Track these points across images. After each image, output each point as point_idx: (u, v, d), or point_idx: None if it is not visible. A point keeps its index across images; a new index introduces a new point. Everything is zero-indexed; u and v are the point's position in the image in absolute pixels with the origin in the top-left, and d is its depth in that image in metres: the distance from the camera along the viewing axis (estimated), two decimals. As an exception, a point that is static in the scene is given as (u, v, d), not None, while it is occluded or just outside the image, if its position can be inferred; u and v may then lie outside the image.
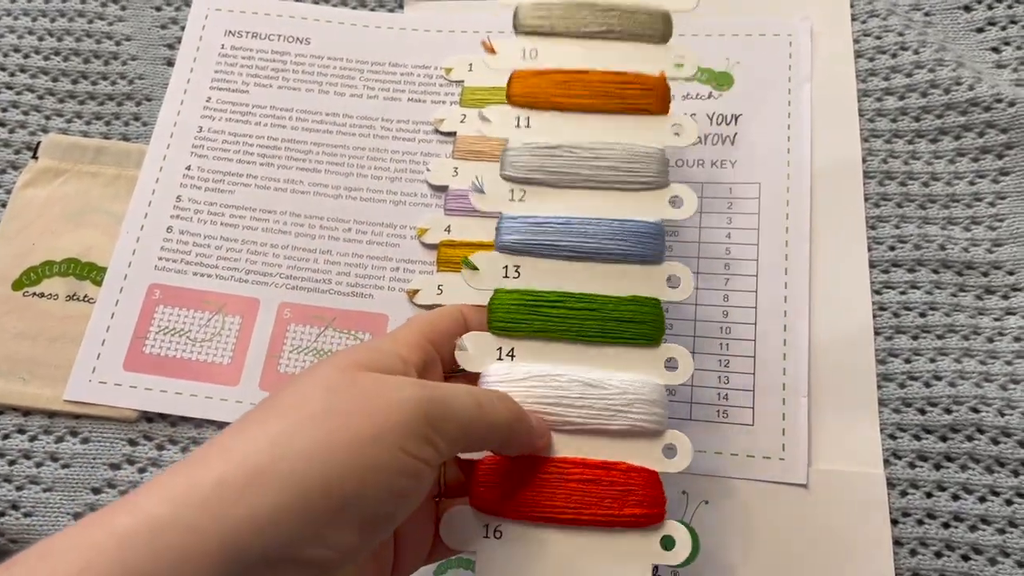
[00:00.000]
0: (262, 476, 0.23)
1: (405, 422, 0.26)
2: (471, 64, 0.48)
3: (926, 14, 0.47)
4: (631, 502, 0.31)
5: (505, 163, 0.36)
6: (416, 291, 0.43)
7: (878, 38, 0.46)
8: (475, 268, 0.34)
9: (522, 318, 0.33)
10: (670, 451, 0.32)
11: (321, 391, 0.26)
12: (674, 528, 0.31)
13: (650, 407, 0.32)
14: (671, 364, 0.33)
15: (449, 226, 0.44)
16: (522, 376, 0.32)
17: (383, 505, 0.25)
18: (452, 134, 0.47)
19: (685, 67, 0.38)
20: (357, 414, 0.25)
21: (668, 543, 0.31)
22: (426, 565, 0.32)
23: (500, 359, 0.33)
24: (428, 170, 0.46)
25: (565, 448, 0.32)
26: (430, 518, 0.32)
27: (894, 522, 0.38)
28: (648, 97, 0.37)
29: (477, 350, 0.33)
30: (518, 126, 0.37)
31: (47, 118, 0.48)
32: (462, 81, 0.48)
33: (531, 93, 0.37)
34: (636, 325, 0.33)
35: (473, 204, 0.36)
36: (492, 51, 0.39)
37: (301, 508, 0.23)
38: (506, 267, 0.34)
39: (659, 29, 0.38)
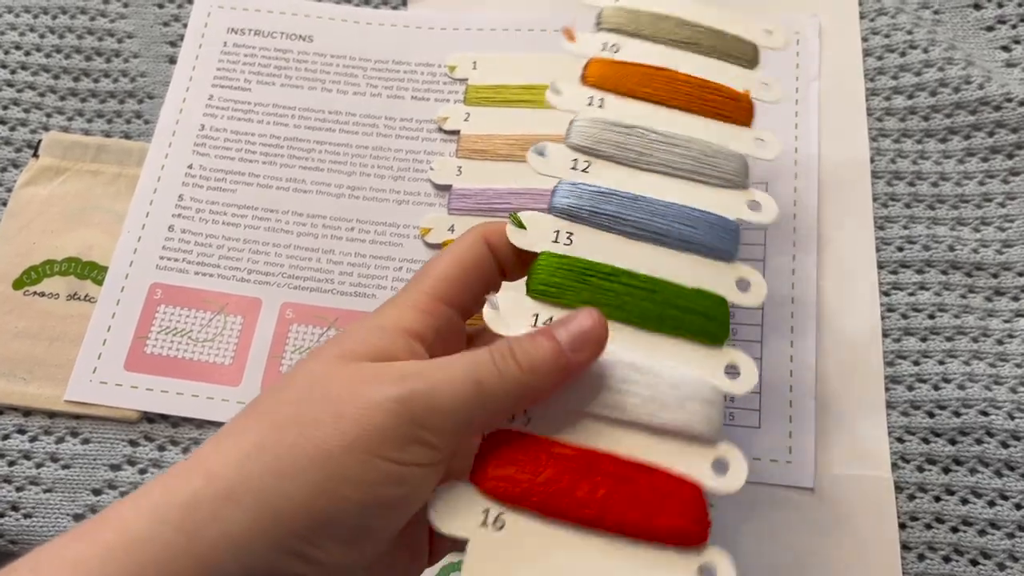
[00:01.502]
0: (232, 496, 0.22)
1: (380, 428, 0.23)
2: (475, 62, 0.48)
3: (935, 12, 0.46)
4: (670, 512, 0.25)
5: (572, 131, 0.32)
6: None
7: (887, 36, 0.46)
8: (522, 226, 0.30)
9: (569, 285, 0.29)
10: (720, 467, 0.26)
11: (294, 394, 0.25)
12: (717, 556, 0.25)
13: (706, 408, 0.27)
14: (732, 371, 0.28)
15: (453, 225, 0.44)
16: None
17: (366, 519, 0.24)
18: (456, 132, 0.46)
19: (772, 91, 0.35)
20: (326, 423, 0.23)
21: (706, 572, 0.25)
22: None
23: (534, 327, 0.28)
24: (432, 169, 0.45)
25: (598, 438, 0.26)
26: None
27: (902, 526, 0.37)
28: (732, 106, 0.34)
29: (510, 312, 0.28)
30: (590, 104, 0.33)
31: (48, 116, 0.47)
32: (466, 79, 0.48)
33: (609, 77, 0.34)
34: (701, 318, 0.29)
35: (531, 165, 0.31)
36: (572, 38, 0.36)
37: (272, 530, 0.22)
38: (557, 232, 0.30)
39: (747, 53, 0.36)
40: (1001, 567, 0.36)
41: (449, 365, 0.25)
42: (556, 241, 0.30)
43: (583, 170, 0.31)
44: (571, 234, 0.30)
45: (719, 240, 0.30)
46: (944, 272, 0.41)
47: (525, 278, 0.29)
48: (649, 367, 0.27)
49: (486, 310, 0.28)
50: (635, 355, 0.28)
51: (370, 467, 0.23)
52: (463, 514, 0.25)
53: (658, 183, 0.31)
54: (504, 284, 0.30)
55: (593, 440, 0.26)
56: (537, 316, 0.28)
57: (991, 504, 0.37)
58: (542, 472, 0.26)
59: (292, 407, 0.24)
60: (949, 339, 0.40)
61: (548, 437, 0.27)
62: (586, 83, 0.34)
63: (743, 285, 0.30)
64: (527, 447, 0.26)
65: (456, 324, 0.29)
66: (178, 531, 0.22)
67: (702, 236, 0.30)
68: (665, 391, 0.27)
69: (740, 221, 0.31)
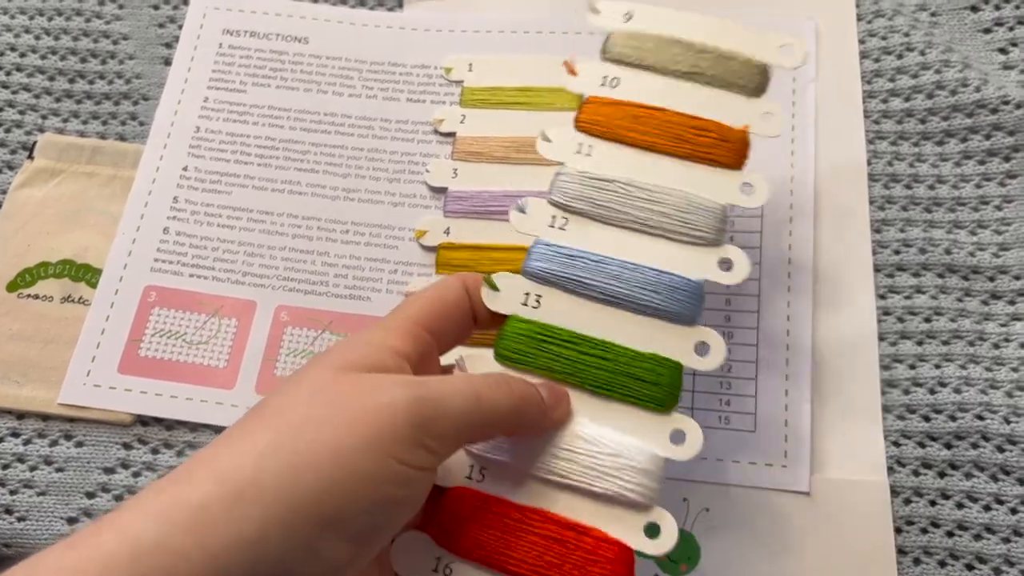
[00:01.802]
0: (246, 495, 0.23)
1: (392, 428, 0.24)
2: (471, 64, 0.48)
3: (932, 14, 0.46)
4: (599, 571, 0.28)
5: (554, 187, 0.34)
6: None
7: (884, 39, 0.45)
8: (495, 288, 0.32)
9: (529, 351, 0.31)
10: (653, 529, 0.29)
11: (305, 396, 0.25)
12: None
13: (640, 477, 0.29)
14: (677, 437, 0.30)
15: (448, 228, 0.44)
16: None
17: (375, 517, 0.24)
18: (452, 135, 0.46)
19: (772, 124, 0.35)
20: (341, 423, 0.24)
21: None
22: None
23: None
24: (427, 171, 0.45)
25: (540, 498, 0.30)
26: None
27: (897, 530, 0.37)
28: (722, 148, 0.34)
29: (477, 372, 0.31)
30: (578, 152, 0.35)
31: (43, 117, 0.47)
32: (462, 81, 0.47)
33: (600, 122, 0.35)
34: (649, 386, 0.31)
35: (512, 224, 0.33)
36: (573, 72, 0.37)
37: (288, 526, 0.23)
38: (527, 294, 0.32)
39: (753, 80, 0.35)
40: (997, 571, 0.36)
41: (449, 379, 0.27)
42: (525, 304, 0.32)
43: (560, 228, 0.33)
44: (539, 297, 0.32)
45: (680, 305, 0.32)
46: (940, 275, 0.41)
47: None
48: (593, 436, 0.30)
49: (457, 364, 0.31)
50: (582, 423, 0.30)
51: (381, 467, 0.24)
52: (420, 561, 0.29)
53: (632, 242, 0.33)
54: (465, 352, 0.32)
55: (537, 500, 0.30)
56: None
57: (987, 508, 0.37)
58: (487, 530, 0.29)
59: (305, 408, 0.25)
60: (945, 343, 0.40)
61: (498, 496, 0.30)
62: (579, 127, 0.35)
63: (702, 349, 0.31)
64: (478, 505, 0.30)
65: (434, 354, 0.30)
66: (188, 533, 0.22)
67: (663, 301, 0.32)
68: (604, 460, 0.30)
69: (707, 281, 0.32)
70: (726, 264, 0.32)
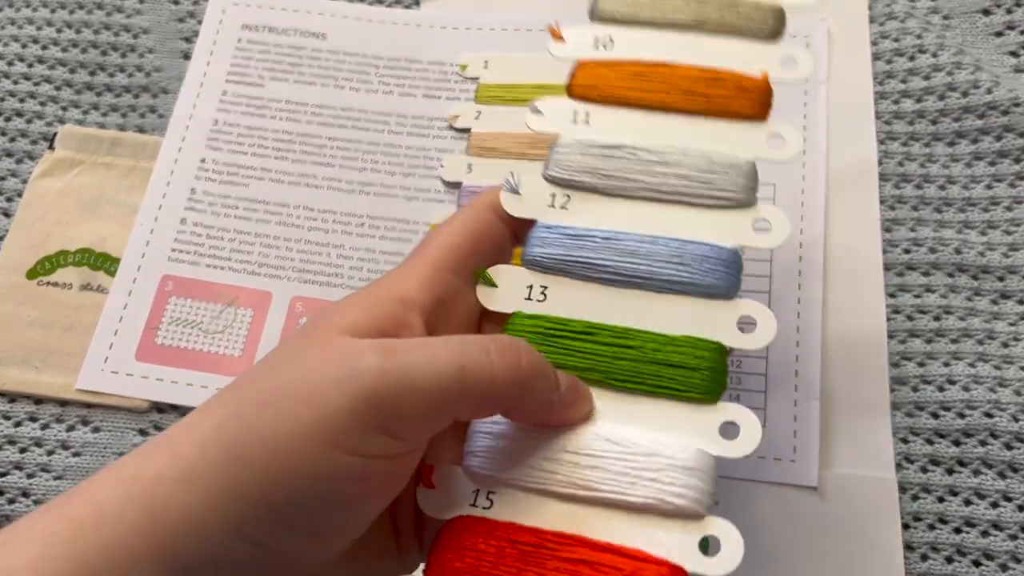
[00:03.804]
0: (192, 474, 0.21)
1: (339, 412, 0.21)
2: (486, 61, 0.48)
3: (945, 17, 0.46)
4: None
5: (550, 161, 0.29)
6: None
7: (896, 40, 0.46)
8: (492, 284, 0.28)
9: (539, 349, 0.25)
10: (708, 544, 0.23)
11: (268, 371, 0.23)
12: None
13: (687, 478, 0.24)
14: (729, 431, 0.25)
15: (462, 223, 0.44)
16: (514, 431, 0.25)
17: (329, 513, 0.22)
18: (467, 131, 0.47)
19: (798, 66, 0.30)
20: (287, 405, 0.21)
21: None
22: None
23: None
24: (442, 166, 0.46)
25: (564, 520, 0.24)
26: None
27: (905, 526, 0.37)
28: (742, 98, 0.29)
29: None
30: (574, 121, 0.30)
31: (64, 109, 0.48)
32: (477, 78, 0.48)
33: (597, 85, 0.30)
34: (685, 372, 0.25)
35: (504, 207, 0.28)
36: (559, 37, 0.32)
37: (231, 514, 0.21)
38: (530, 287, 0.28)
39: (768, 24, 0.31)
40: (1004, 568, 0.36)
41: (431, 345, 0.23)
42: (530, 298, 0.27)
43: (562, 206, 0.28)
44: (545, 288, 0.28)
45: (713, 276, 0.26)
46: (950, 275, 0.41)
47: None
48: (623, 436, 0.25)
49: None
50: (610, 423, 0.25)
51: (326, 460, 0.21)
52: None
53: (647, 213, 0.28)
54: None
55: (560, 524, 0.24)
56: None
57: (994, 505, 0.37)
58: (501, 563, 0.23)
59: (259, 384, 0.22)
60: (954, 341, 0.40)
61: (511, 522, 0.24)
62: (573, 95, 0.31)
63: (747, 325, 0.26)
64: (487, 534, 0.24)
65: (464, 296, 0.26)
66: (142, 509, 0.21)
67: (692, 275, 0.27)
68: (639, 462, 0.24)
69: (742, 248, 0.27)
70: (763, 224, 0.27)
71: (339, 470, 0.21)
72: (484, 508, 0.25)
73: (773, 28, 0.31)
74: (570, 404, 0.25)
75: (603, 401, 0.26)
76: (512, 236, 0.28)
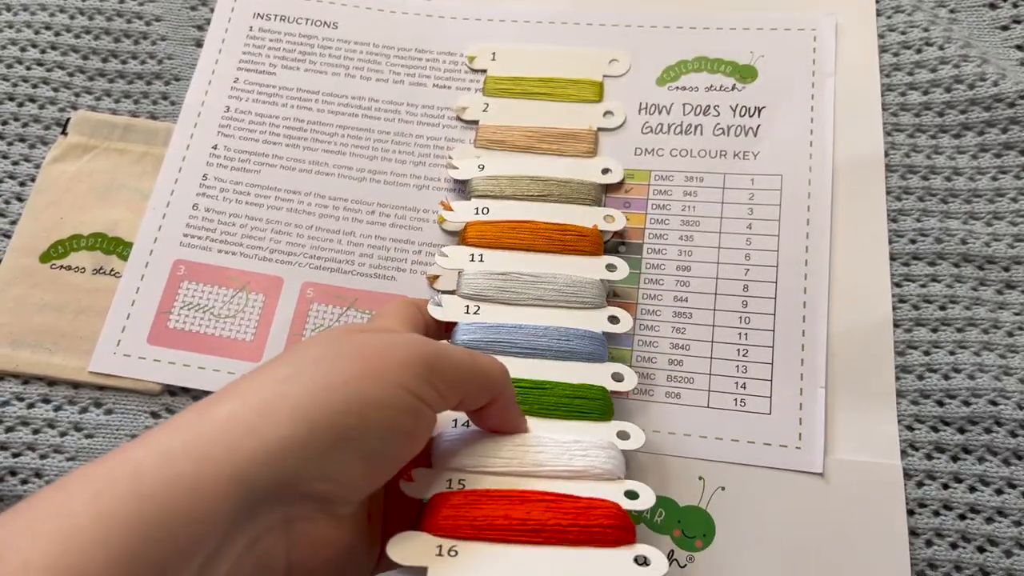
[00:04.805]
0: (270, 410, 0.24)
1: (404, 361, 0.27)
2: (494, 53, 0.49)
3: (951, 11, 0.47)
4: (598, 515, 0.30)
5: (461, 284, 0.39)
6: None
7: (903, 33, 0.46)
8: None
9: None
10: (632, 496, 0.32)
11: (323, 340, 0.28)
12: (648, 549, 0.30)
13: (608, 452, 0.33)
14: (623, 435, 0.35)
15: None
16: (474, 437, 0.33)
17: (386, 442, 0.26)
18: (475, 123, 0.47)
19: (615, 222, 0.43)
20: (357, 357, 0.27)
21: (642, 561, 0.30)
22: None
23: (455, 426, 0.34)
24: (450, 157, 0.46)
25: (524, 486, 0.32)
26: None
27: (910, 512, 0.38)
28: (583, 242, 0.41)
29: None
30: (472, 260, 0.40)
31: (76, 95, 0.48)
32: (485, 70, 0.48)
33: (484, 236, 0.41)
34: (587, 402, 0.36)
35: (432, 315, 0.37)
36: (449, 208, 0.43)
37: (307, 440, 0.24)
38: None
39: (591, 194, 0.44)
40: (1008, 554, 0.37)
41: (445, 342, 0.31)
42: None
43: (474, 312, 0.38)
44: None
45: (591, 346, 0.38)
46: (956, 265, 0.42)
47: None
48: (556, 434, 0.34)
49: None
50: (542, 432, 0.34)
51: (393, 394, 0.26)
52: (420, 551, 0.29)
53: (535, 314, 0.39)
54: None
55: (520, 487, 0.32)
56: (456, 420, 0.34)
57: (999, 492, 0.38)
58: (482, 510, 0.30)
59: (320, 349, 0.27)
60: (960, 330, 0.40)
61: (484, 491, 0.31)
62: (467, 243, 0.41)
63: (617, 377, 0.37)
64: (466, 497, 0.31)
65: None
66: (214, 444, 0.23)
67: (576, 345, 0.38)
68: (571, 446, 0.33)
69: (603, 332, 0.38)
70: (614, 319, 0.39)
71: (403, 404, 0.26)
72: (460, 487, 0.32)
73: (596, 197, 0.44)
74: (519, 414, 0.34)
75: (533, 422, 0.35)
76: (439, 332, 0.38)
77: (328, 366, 0.26)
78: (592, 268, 0.41)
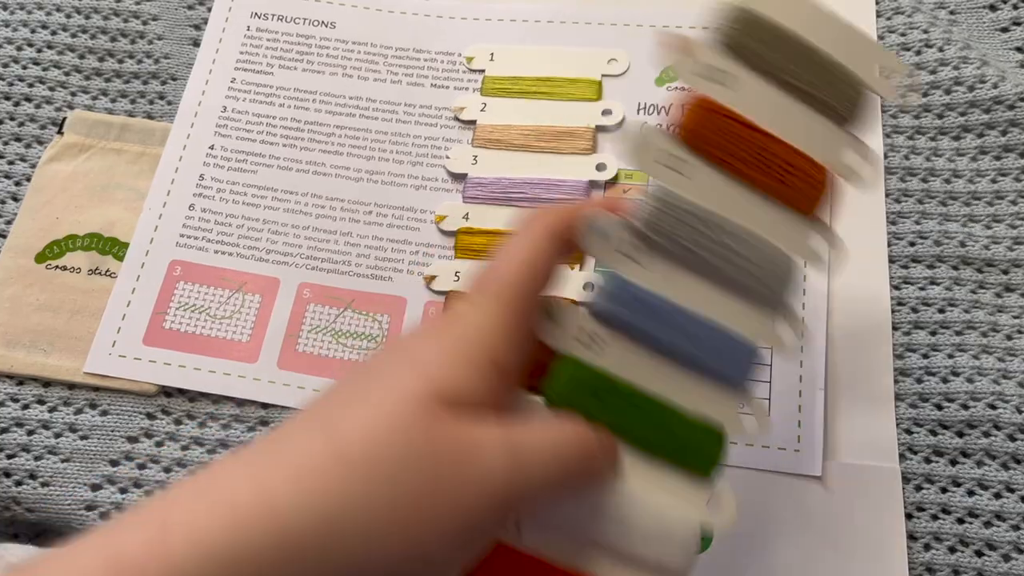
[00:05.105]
0: (335, 538, 0.21)
1: (492, 512, 0.23)
2: (492, 53, 0.48)
3: (951, 12, 0.47)
4: None
5: (643, 208, 0.28)
6: (433, 277, 0.43)
7: (903, 35, 0.46)
8: (553, 320, 0.28)
9: (582, 401, 0.27)
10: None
11: (400, 438, 0.23)
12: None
13: (680, 548, 0.27)
14: (714, 502, 0.28)
15: (467, 213, 0.44)
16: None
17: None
18: (472, 122, 0.47)
19: (865, 170, 0.30)
20: (440, 501, 0.23)
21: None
22: None
23: None
24: (448, 157, 0.46)
25: (578, 558, 0.27)
26: None
27: (908, 516, 0.38)
28: (806, 196, 0.29)
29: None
30: (676, 170, 0.29)
31: (73, 94, 0.48)
32: (483, 70, 0.48)
33: (707, 137, 0.29)
34: (693, 450, 0.28)
35: (582, 245, 0.28)
36: (687, 49, 0.29)
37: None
38: (582, 329, 0.28)
39: (848, 99, 0.30)
40: (1006, 558, 0.37)
41: (536, 435, 0.25)
42: (579, 340, 0.28)
43: (636, 260, 0.28)
44: (599, 338, 0.28)
45: (738, 370, 0.29)
46: (955, 268, 0.42)
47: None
48: (637, 498, 0.27)
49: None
50: (626, 481, 0.27)
51: (474, 548, 0.24)
52: None
53: (699, 291, 0.28)
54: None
55: (574, 560, 0.27)
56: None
57: (997, 496, 0.38)
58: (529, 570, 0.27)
59: (399, 461, 0.23)
60: (959, 333, 0.40)
61: (534, 552, 0.27)
62: (683, 136, 0.28)
63: (746, 411, 0.29)
64: (514, 565, 0.27)
65: (525, 327, 0.27)
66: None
67: (722, 367, 0.28)
68: (647, 524, 0.27)
69: (762, 347, 0.29)
70: (787, 330, 0.29)
71: (479, 551, 0.25)
72: (515, 534, 0.27)
73: (849, 108, 0.30)
74: (607, 467, 0.27)
75: (625, 454, 0.28)
76: (565, 255, 0.28)
77: (405, 506, 0.22)
78: (800, 240, 0.29)
